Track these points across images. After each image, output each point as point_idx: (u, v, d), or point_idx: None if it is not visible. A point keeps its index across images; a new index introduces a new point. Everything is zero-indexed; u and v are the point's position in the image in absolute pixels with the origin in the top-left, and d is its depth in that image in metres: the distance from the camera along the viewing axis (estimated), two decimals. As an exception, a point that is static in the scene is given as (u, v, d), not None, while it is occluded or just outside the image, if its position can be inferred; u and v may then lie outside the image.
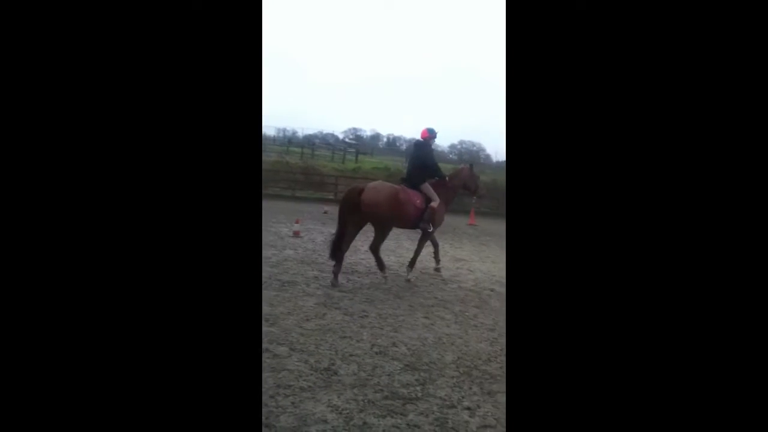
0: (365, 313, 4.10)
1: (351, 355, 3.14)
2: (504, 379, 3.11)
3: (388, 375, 2.91)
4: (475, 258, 7.66)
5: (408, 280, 5.47)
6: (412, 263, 5.64)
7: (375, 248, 5.24)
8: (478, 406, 2.66)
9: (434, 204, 5.39)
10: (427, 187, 5.48)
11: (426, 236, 5.56)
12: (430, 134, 5.72)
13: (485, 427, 2.46)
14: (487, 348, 3.63)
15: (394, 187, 5.27)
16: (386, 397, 2.61)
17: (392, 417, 2.40)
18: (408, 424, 2.35)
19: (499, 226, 11.59)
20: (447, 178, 5.73)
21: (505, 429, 2.48)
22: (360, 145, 39.22)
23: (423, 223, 5.36)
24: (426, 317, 4.22)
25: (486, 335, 3.93)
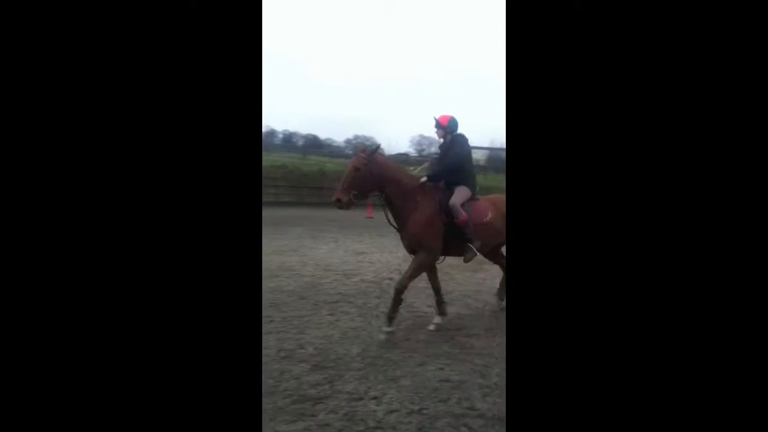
0: (270, 318, 4.07)
1: (256, 364, 3.12)
2: (406, 364, 3.34)
3: (296, 378, 2.95)
4: (375, 250, 7.90)
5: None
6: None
7: None
8: (384, 394, 2.83)
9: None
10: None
11: None
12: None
13: (391, 412, 2.64)
14: (388, 336, 3.83)
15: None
16: (295, 401, 2.66)
17: (302, 420, 2.46)
18: (318, 425, 2.43)
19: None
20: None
21: (408, 411, 2.68)
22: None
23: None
24: (331, 314, 4.31)
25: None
